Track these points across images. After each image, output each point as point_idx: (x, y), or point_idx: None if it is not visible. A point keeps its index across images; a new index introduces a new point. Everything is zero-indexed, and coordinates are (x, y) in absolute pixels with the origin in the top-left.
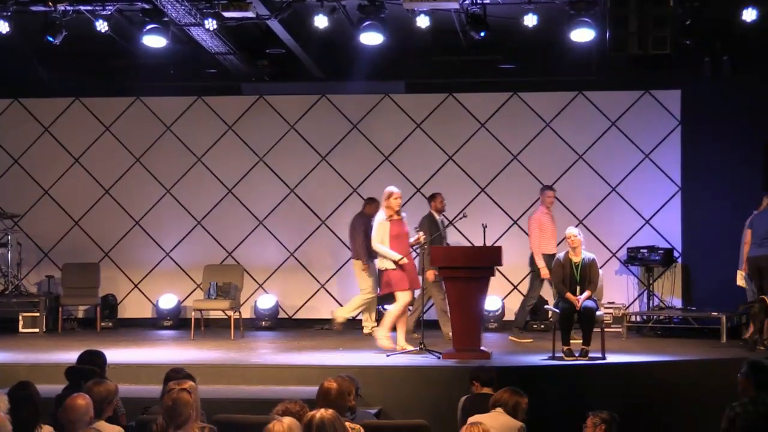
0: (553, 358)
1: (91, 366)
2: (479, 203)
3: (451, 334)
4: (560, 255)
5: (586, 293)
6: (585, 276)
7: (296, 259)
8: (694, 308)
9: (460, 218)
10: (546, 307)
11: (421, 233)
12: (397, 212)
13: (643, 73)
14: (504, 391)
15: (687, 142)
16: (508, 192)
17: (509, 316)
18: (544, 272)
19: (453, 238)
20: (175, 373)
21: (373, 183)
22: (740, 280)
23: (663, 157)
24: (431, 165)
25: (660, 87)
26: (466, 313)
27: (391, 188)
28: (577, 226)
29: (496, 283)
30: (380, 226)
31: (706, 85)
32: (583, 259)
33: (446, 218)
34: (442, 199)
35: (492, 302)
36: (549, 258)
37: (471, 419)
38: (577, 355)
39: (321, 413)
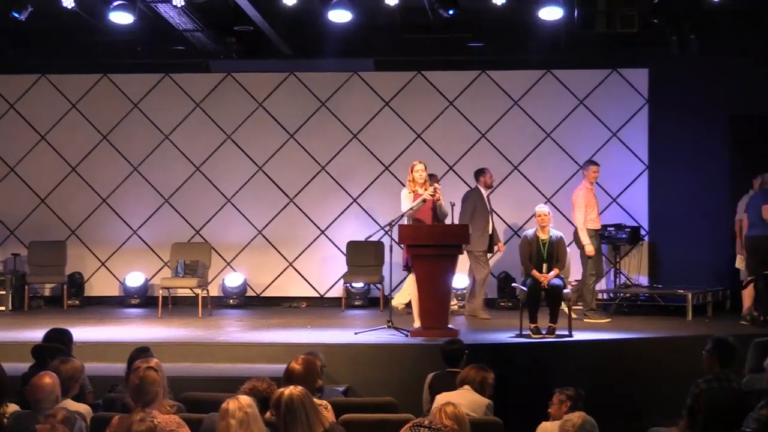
0: (520, 335)
1: (57, 344)
2: (448, 181)
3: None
4: (528, 232)
5: (554, 271)
6: (552, 254)
7: (264, 237)
8: (660, 286)
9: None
10: (513, 284)
11: (437, 185)
12: (424, 185)
13: (611, 52)
14: (470, 368)
15: (654, 120)
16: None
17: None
18: (589, 249)
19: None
20: (139, 353)
21: (342, 161)
22: (740, 262)
23: (630, 135)
24: (400, 143)
25: (628, 65)
26: (434, 292)
27: (414, 161)
28: (546, 204)
29: (464, 261)
30: (404, 198)
31: (673, 64)
32: (551, 237)
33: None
34: (491, 175)
35: (460, 280)
36: (593, 234)
37: (439, 397)
38: (544, 332)
39: (290, 390)
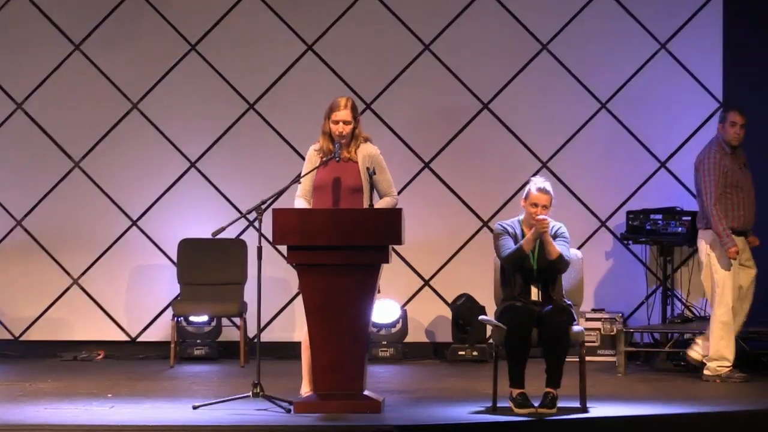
0: (493, 409)
1: None
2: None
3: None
4: (505, 224)
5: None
6: (550, 263)
7: (27, 232)
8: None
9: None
10: (481, 318)
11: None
12: (349, 144)
13: None
14: None
15: (732, 23)
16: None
17: (415, 335)
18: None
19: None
20: None
21: (166, 91)
22: None
23: (690, 48)
24: (276, 59)
25: None
26: (337, 331)
27: (339, 98)
28: (542, 173)
29: (391, 276)
30: (308, 163)
31: None
32: (548, 233)
33: None
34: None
35: (384, 311)
36: None
37: None
38: (536, 405)
39: None
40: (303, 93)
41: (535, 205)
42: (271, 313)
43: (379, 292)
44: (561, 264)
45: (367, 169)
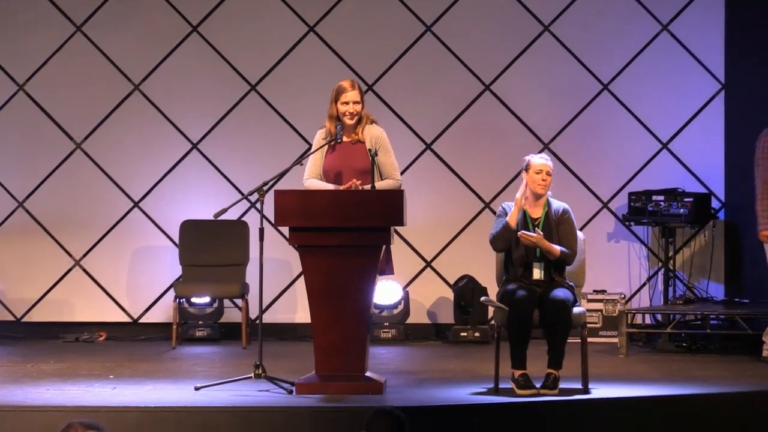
0: (495, 390)
1: None
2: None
3: None
4: (507, 205)
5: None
6: (551, 242)
7: (29, 213)
8: (746, 300)
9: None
10: (483, 299)
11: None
12: (356, 128)
13: None
14: None
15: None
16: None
17: (417, 316)
18: None
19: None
20: None
21: (166, 74)
22: None
23: (692, 29)
24: (279, 40)
25: None
26: (339, 313)
27: (343, 81)
28: (544, 151)
29: (393, 257)
30: (316, 146)
31: None
32: (549, 210)
33: None
34: None
35: (386, 292)
36: None
37: None
38: (538, 386)
39: None
40: (305, 74)
41: (540, 171)
42: (272, 294)
43: (392, 273)
44: (565, 260)
45: (370, 150)
